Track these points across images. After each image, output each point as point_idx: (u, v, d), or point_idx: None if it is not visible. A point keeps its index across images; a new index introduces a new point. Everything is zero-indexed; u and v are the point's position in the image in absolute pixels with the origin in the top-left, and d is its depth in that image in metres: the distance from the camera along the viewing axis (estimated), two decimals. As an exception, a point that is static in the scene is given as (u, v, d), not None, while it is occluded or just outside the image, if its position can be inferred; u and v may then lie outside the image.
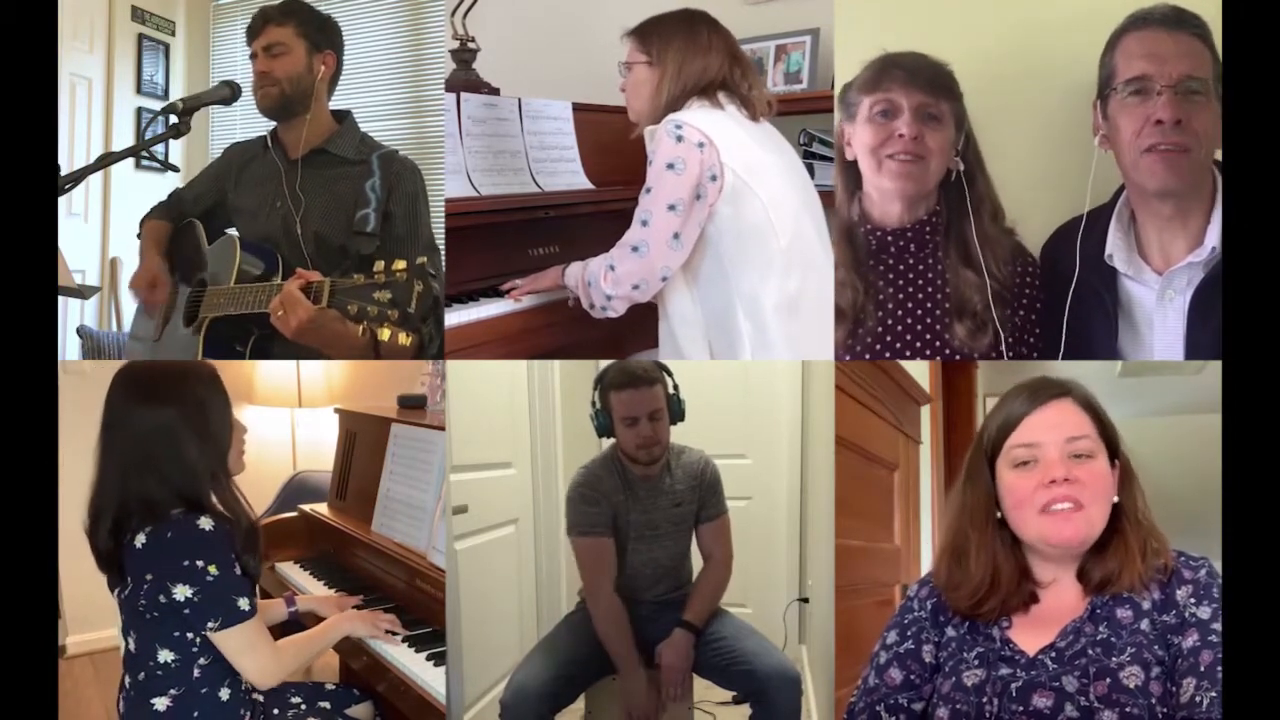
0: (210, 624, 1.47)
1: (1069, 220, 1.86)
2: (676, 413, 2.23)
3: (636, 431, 2.16)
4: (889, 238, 1.91)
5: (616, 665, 2.11)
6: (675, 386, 2.22)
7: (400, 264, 1.63)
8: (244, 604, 1.49)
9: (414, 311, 1.61)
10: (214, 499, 1.54)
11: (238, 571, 1.50)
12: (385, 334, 1.62)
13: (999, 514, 1.29)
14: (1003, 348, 1.84)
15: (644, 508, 2.22)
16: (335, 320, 1.69)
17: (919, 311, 1.88)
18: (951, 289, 1.86)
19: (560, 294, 2.08)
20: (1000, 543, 1.28)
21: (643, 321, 2.09)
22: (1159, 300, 1.75)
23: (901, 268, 1.90)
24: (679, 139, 1.83)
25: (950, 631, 1.31)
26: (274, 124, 2.15)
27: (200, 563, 1.45)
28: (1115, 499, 1.25)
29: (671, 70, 1.92)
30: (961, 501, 1.32)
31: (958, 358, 1.86)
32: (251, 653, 1.52)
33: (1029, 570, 1.29)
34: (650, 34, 1.96)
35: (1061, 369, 1.37)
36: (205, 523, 1.46)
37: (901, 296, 1.88)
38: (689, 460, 2.27)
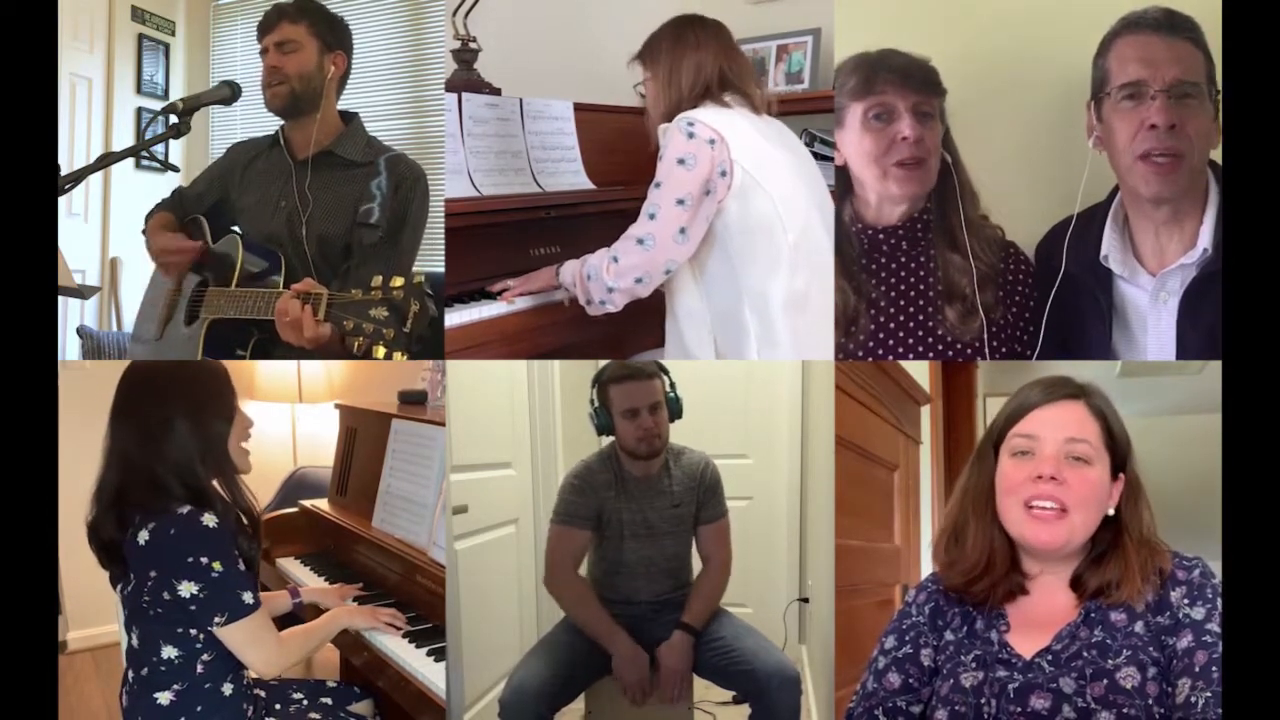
0: (216, 619, 1.48)
1: (1063, 220, 1.86)
2: (674, 410, 2.24)
3: (637, 424, 2.16)
4: (880, 236, 1.91)
5: (601, 642, 2.12)
6: (672, 385, 2.23)
7: (398, 281, 1.63)
8: (248, 598, 1.50)
9: (410, 331, 1.62)
10: (220, 492, 1.56)
11: (240, 566, 1.51)
12: (380, 352, 1.62)
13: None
14: (995, 343, 1.85)
15: (639, 506, 2.22)
16: (334, 338, 1.70)
17: (911, 309, 1.88)
18: (941, 275, 1.86)
19: (556, 294, 2.08)
20: (998, 529, 1.29)
21: (644, 321, 2.09)
22: (1153, 301, 1.75)
23: (894, 265, 1.90)
24: (690, 135, 1.84)
25: (949, 635, 1.31)
26: (276, 124, 2.15)
27: (205, 559, 1.45)
28: (1110, 511, 1.25)
29: (664, 75, 1.96)
30: (966, 483, 1.34)
31: (951, 353, 1.86)
32: (256, 645, 1.54)
33: (1018, 561, 1.30)
34: (646, 50, 2.03)
35: (1058, 369, 1.37)
36: (209, 519, 1.47)
37: (894, 294, 1.89)
38: (688, 461, 2.27)
